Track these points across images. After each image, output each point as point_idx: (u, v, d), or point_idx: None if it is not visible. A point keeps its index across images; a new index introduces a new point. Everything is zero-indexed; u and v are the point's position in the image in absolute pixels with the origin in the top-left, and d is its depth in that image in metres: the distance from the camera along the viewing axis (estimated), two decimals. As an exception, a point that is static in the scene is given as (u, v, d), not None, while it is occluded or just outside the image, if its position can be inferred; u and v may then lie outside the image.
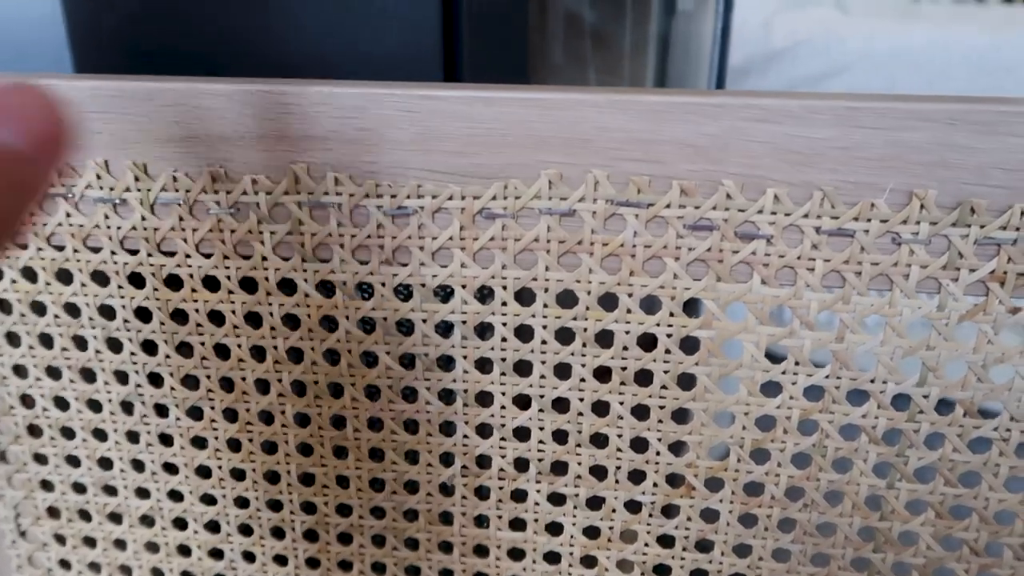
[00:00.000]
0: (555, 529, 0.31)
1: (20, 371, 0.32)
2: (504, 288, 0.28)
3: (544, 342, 0.28)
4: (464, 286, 0.28)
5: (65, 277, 0.30)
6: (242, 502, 0.33)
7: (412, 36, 0.47)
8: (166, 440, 0.33)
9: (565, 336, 0.28)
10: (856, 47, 1.43)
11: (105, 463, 0.33)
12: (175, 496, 0.34)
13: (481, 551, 0.33)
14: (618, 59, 0.69)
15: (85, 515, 0.35)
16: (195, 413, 0.32)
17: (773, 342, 0.27)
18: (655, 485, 0.30)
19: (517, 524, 0.32)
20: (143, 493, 0.34)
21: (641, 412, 0.29)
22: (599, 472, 0.30)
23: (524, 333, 0.28)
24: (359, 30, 0.47)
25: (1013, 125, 0.23)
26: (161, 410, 0.32)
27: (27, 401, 0.33)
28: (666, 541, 0.31)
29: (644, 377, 0.28)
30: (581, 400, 0.29)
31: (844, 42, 1.44)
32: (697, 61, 0.88)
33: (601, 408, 0.29)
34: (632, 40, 0.73)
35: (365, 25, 0.47)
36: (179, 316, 0.30)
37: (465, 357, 0.29)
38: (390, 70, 0.42)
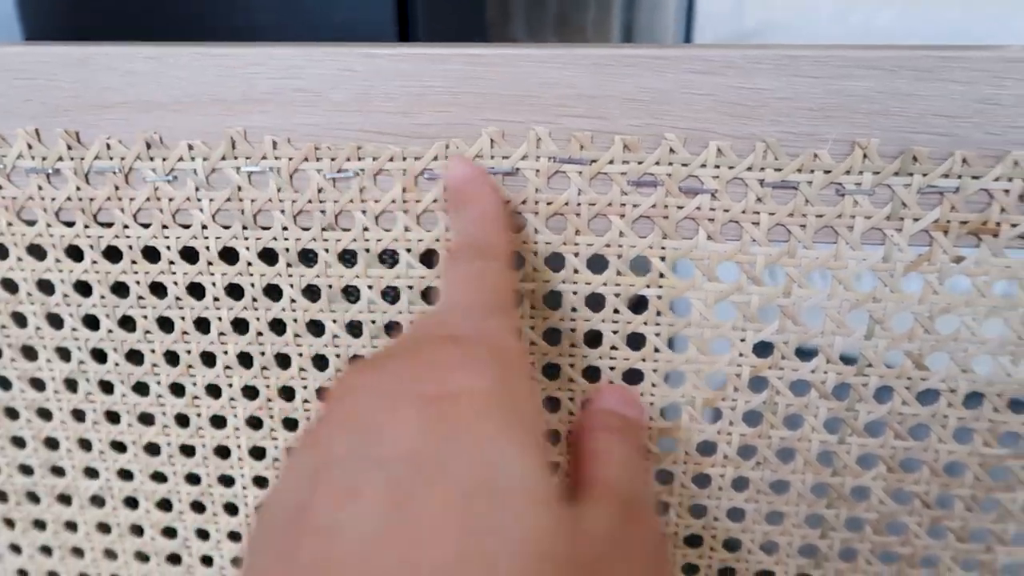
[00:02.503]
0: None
1: (-41, 351, 0.31)
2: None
3: (492, 305, 0.28)
4: (409, 250, 0.27)
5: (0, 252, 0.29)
6: (193, 479, 0.33)
7: (364, 12, 0.46)
8: (113, 418, 0.32)
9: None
10: (828, 26, 1.43)
11: (51, 443, 0.33)
12: (125, 475, 0.33)
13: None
14: (581, 42, 0.69)
15: (33, 497, 0.34)
16: (141, 389, 0.31)
17: (721, 299, 0.27)
18: (609, 448, 0.29)
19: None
20: (92, 473, 0.33)
21: (592, 374, 0.28)
22: (552, 437, 0.30)
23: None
24: (312, 7, 0.47)
25: (953, 71, 0.23)
26: (106, 387, 0.31)
27: (-33, 382, 0.32)
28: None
29: (593, 338, 0.28)
30: (532, 363, 0.28)
31: (817, 22, 1.45)
32: (662, 41, 0.88)
33: (551, 371, 0.29)
34: (595, 21, 0.72)
35: (318, 1, 0.46)
36: (120, 289, 0.29)
37: (412, 323, 0.28)
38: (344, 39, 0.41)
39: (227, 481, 0.32)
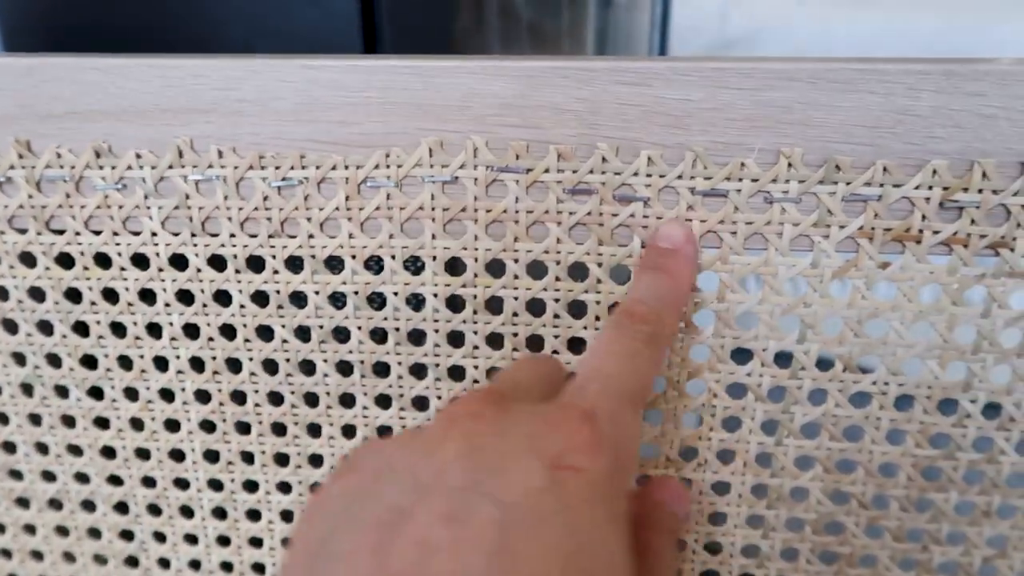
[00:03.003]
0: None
1: (-84, 356, 0.32)
2: (393, 257, 0.28)
3: (436, 310, 0.28)
4: (354, 256, 0.28)
5: (-45, 258, 0.30)
6: (149, 482, 0.33)
7: (331, 24, 0.47)
8: (69, 422, 0.32)
9: (456, 304, 0.28)
10: (812, 35, 1.45)
11: (8, 447, 0.33)
12: (81, 478, 0.33)
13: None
14: (555, 52, 0.70)
15: (-8, 501, 0.35)
16: (96, 393, 0.32)
17: (657, 304, 0.27)
18: (553, 450, 0.30)
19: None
20: (49, 476, 0.34)
21: (535, 377, 0.29)
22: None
23: (416, 302, 0.29)
24: (278, 20, 0.47)
25: (871, 83, 0.24)
26: (62, 391, 0.32)
27: (-74, 386, 0.32)
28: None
29: (535, 342, 0.28)
30: (476, 368, 0.29)
31: (800, 30, 1.46)
32: (637, 52, 0.89)
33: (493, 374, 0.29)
34: (569, 30, 0.73)
35: (284, 13, 0.47)
36: (73, 295, 0.30)
37: (360, 328, 0.29)
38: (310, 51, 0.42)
39: (182, 484, 0.33)
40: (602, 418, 0.20)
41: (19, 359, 0.31)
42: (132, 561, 0.35)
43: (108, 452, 0.33)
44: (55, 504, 0.34)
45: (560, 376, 0.24)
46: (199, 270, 0.29)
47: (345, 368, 0.30)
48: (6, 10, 0.51)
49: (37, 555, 0.35)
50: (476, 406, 0.19)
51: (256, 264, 0.29)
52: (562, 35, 0.72)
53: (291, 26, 0.47)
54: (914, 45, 1.35)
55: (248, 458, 0.32)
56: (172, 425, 0.32)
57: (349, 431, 0.31)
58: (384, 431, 0.31)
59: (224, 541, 0.34)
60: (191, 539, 0.34)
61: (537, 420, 0.19)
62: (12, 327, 0.31)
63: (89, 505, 0.34)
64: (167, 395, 0.31)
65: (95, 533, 0.35)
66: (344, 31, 0.46)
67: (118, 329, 0.30)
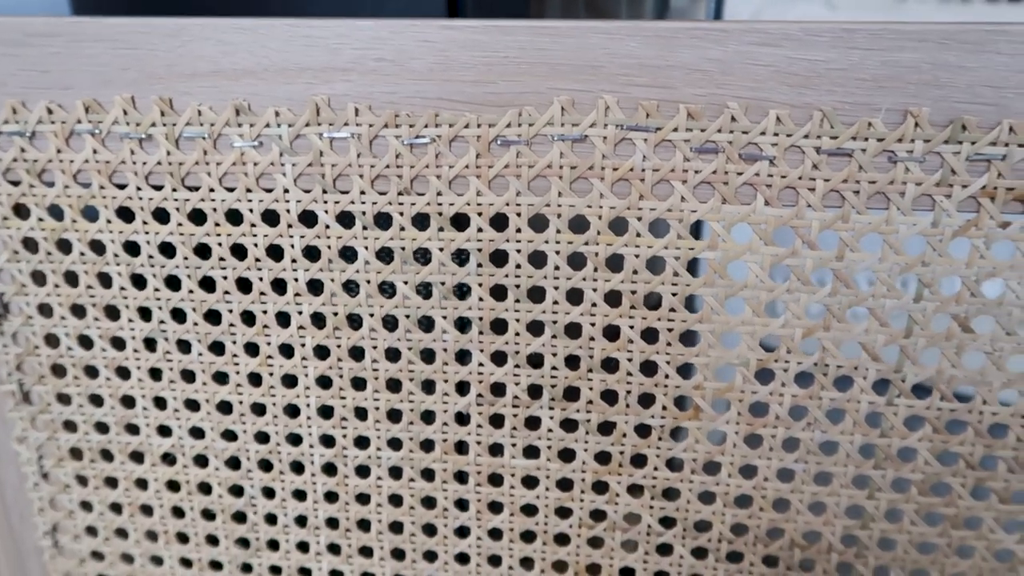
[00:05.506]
0: (567, 456, 0.32)
1: (45, 310, 0.33)
2: (518, 215, 0.29)
3: (557, 267, 0.29)
4: (480, 214, 0.29)
5: (91, 214, 0.31)
6: (262, 437, 0.34)
7: (418, 5, 0.48)
8: (188, 377, 0.33)
9: (577, 261, 0.29)
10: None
11: (128, 401, 0.34)
12: (196, 433, 0.34)
13: (495, 480, 0.34)
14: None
15: (107, 455, 0.36)
16: (217, 348, 0.33)
17: (776, 262, 0.28)
18: (664, 408, 0.31)
19: (531, 451, 0.33)
20: (165, 431, 0.35)
21: (650, 335, 0.30)
22: (610, 397, 0.31)
23: (537, 259, 0.29)
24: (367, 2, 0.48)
25: (999, 44, 0.25)
26: (184, 346, 0.33)
27: (51, 340, 0.34)
28: (675, 465, 0.32)
29: (653, 301, 0.29)
30: (593, 325, 0.30)
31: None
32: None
33: (612, 332, 0.30)
34: (628, 6, 0.74)
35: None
36: (202, 251, 0.31)
37: (480, 285, 0.30)
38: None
39: (294, 440, 0.34)
40: None
41: (144, 314, 0.33)
42: (240, 517, 0.36)
43: (224, 407, 0.34)
44: (168, 459, 0.35)
45: None
46: (327, 226, 0.30)
47: (463, 324, 0.31)
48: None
49: (147, 510, 0.37)
50: None
51: (383, 221, 0.30)
52: (622, 13, 0.73)
53: (378, 5, 0.48)
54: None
55: (361, 414, 0.33)
56: (289, 381, 0.33)
57: (463, 387, 0.32)
58: (497, 389, 0.32)
59: (331, 497, 0.35)
60: (299, 495, 0.35)
61: None
62: (141, 282, 0.32)
63: (202, 460, 0.35)
64: (287, 351, 0.32)
65: (206, 488, 0.36)
66: (430, 12, 0.47)
67: (243, 285, 0.31)
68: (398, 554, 0.36)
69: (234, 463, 0.35)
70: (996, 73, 0.25)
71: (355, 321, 0.31)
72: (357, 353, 0.32)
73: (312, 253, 0.30)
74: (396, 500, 0.35)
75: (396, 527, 0.35)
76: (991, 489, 0.30)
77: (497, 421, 0.32)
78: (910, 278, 0.28)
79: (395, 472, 0.34)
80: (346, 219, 0.30)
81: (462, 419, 0.33)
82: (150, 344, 0.33)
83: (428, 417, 0.33)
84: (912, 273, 0.28)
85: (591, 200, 0.28)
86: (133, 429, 0.35)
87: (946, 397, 0.29)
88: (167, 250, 0.31)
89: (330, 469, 0.34)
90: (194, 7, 0.50)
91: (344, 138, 0.29)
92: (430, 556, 0.36)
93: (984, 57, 0.25)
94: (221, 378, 0.33)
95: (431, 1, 0.48)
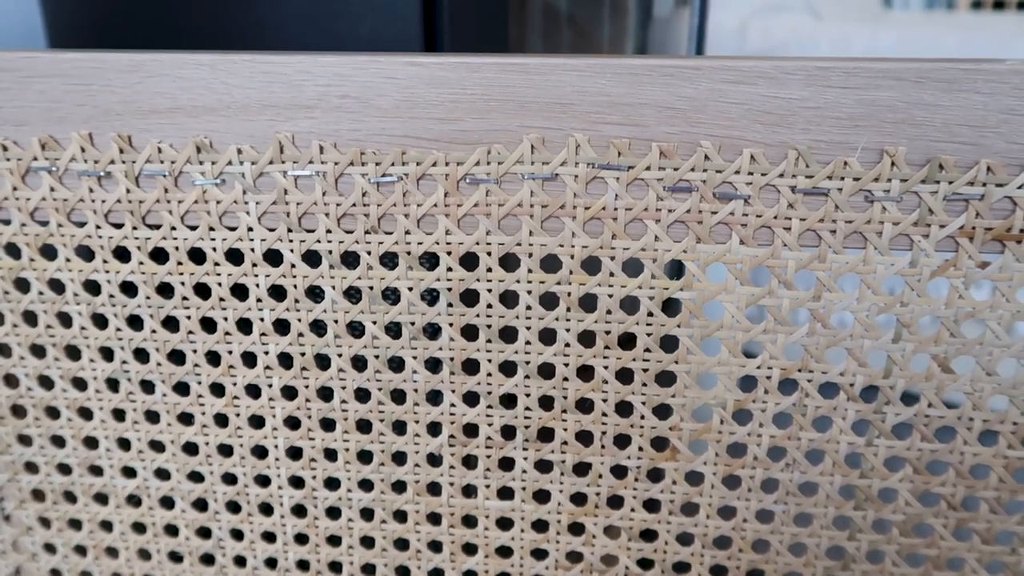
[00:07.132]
0: (542, 497, 0.32)
1: (4, 350, 0.32)
2: (488, 254, 0.28)
3: (529, 307, 0.29)
4: (449, 252, 0.28)
5: (50, 252, 0.30)
6: (230, 478, 0.33)
7: (392, 27, 0.47)
8: (152, 417, 0.33)
9: (550, 301, 0.29)
10: (829, 51, 1.46)
11: (91, 442, 0.33)
12: (162, 475, 0.33)
13: (469, 521, 0.33)
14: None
15: (70, 496, 0.35)
16: (182, 389, 0.32)
17: (752, 302, 0.28)
18: (640, 449, 0.30)
19: (505, 493, 0.32)
20: (129, 472, 0.34)
21: (625, 376, 0.29)
22: (585, 438, 0.30)
23: (509, 299, 0.29)
24: (339, 23, 0.48)
25: (976, 82, 0.24)
26: (147, 386, 0.32)
27: (10, 381, 0.33)
28: (652, 506, 0.31)
29: (628, 341, 0.29)
30: (566, 365, 0.29)
31: (817, 46, 1.47)
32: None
33: (586, 373, 0.29)
34: (609, 48, 0.74)
35: (345, 16, 0.47)
36: (164, 290, 0.30)
37: (451, 325, 0.29)
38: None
39: (263, 482, 0.33)
40: None
41: (106, 354, 0.32)
42: (208, 559, 0.35)
43: (190, 448, 0.33)
44: (133, 500, 0.34)
45: None
46: (293, 266, 0.29)
47: (434, 365, 0.30)
48: (51, 8, 0.52)
49: (112, 552, 0.36)
50: None
51: (350, 260, 0.29)
52: (603, 49, 0.72)
53: (352, 30, 0.47)
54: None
55: (331, 455, 0.32)
56: (257, 421, 0.32)
57: (435, 428, 0.31)
58: (470, 430, 0.31)
59: (302, 539, 0.34)
60: (268, 537, 0.34)
61: None
62: (102, 322, 0.31)
63: (168, 502, 0.34)
64: (253, 391, 0.31)
65: (172, 530, 0.35)
66: (406, 37, 0.47)
67: (208, 324, 0.31)
68: (371, 595, 0.35)
69: (201, 505, 0.34)
70: (973, 112, 0.25)
71: (323, 361, 0.31)
72: (326, 394, 0.31)
73: (278, 292, 0.30)
74: (368, 542, 0.34)
75: (368, 569, 0.34)
76: (973, 530, 0.30)
77: (470, 462, 0.32)
78: (887, 318, 0.27)
79: (367, 514, 0.33)
80: (312, 258, 0.29)
81: (434, 460, 0.32)
82: (112, 384, 0.32)
83: (400, 458, 0.32)
84: (890, 313, 0.27)
85: (563, 239, 0.27)
86: (97, 470, 0.34)
87: (926, 438, 0.29)
88: (128, 289, 0.30)
89: (300, 511, 0.33)
90: (173, 32, 0.49)
91: (309, 176, 0.28)
92: (404, 597, 0.35)
93: (961, 96, 0.25)
94: (186, 419, 0.32)
95: (406, 22, 0.47)
